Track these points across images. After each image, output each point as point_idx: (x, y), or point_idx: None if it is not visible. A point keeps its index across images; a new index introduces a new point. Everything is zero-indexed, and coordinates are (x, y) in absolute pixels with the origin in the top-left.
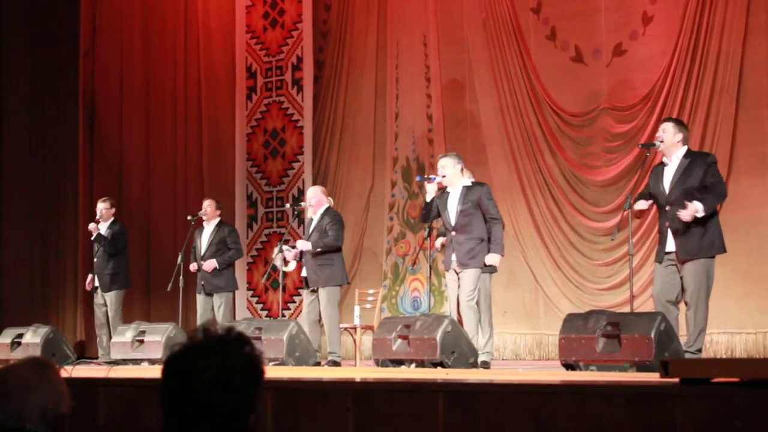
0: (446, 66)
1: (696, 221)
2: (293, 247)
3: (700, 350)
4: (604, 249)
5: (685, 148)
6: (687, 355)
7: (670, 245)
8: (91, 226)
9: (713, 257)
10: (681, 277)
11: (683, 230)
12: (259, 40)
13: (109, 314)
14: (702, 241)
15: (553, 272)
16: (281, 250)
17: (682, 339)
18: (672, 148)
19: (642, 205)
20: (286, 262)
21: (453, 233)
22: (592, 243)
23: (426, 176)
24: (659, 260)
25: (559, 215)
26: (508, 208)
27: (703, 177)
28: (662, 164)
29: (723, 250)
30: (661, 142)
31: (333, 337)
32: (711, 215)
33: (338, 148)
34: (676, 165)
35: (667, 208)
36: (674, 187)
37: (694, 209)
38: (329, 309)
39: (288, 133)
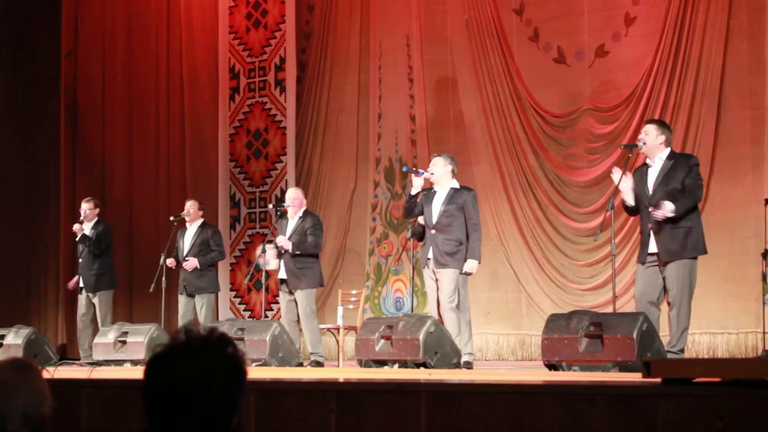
0: (429, 67)
1: (678, 222)
2: (275, 245)
3: (682, 350)
4: (587, 249)
5: (668, 149)
6: (669, 355)
7: (653, 246)
8: (76, 226)
9: (695, 258)
10: (663, 278)
11: (666, 231)
12: (242, 40)
13: (98, 316)
14: (684, 242)
15: (535, 273)
16: (264, 250)
17: (664, 339)
18: (655, 149)
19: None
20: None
21: (433, 231)
22: (574, 243)
23: (415, 168)
24: (642, 261)
25: (542, 216)
26: (491, 208)
27: (684, 178)
28: (645, 165)
29: (705, 251)
30: (644, 144)
31: (314, 338)
32: (694, 216)
33: (321, 148)
34: (660, 166)
35: (651, 210)
36: (657, 189)
37: (668, 209)
38: (308, 310)
39: (271, 133)
